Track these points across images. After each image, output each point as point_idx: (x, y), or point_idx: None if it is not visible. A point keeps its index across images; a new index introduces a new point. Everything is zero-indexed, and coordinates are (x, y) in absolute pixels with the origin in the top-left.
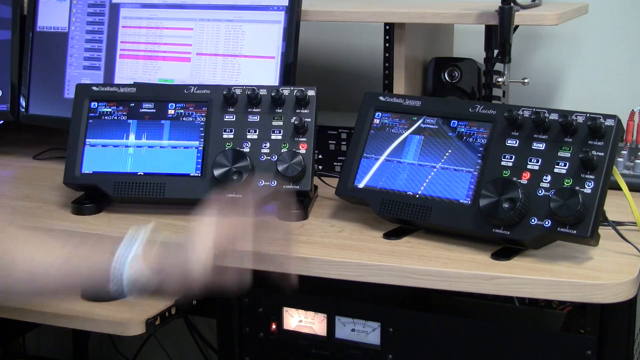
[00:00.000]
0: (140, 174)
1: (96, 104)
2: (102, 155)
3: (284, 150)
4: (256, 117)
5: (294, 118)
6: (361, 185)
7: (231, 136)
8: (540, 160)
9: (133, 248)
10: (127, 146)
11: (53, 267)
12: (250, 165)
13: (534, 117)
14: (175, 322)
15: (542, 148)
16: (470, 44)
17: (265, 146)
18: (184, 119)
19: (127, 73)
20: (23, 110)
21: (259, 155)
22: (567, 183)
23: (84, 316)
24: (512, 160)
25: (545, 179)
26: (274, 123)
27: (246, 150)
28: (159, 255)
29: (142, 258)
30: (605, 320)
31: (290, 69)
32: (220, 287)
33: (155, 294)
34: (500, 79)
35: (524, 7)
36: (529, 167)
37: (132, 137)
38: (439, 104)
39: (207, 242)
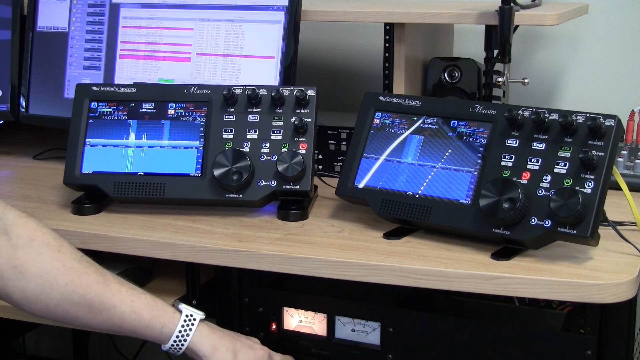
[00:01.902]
0: (140, 174)
1: (96, 104)
2: (102, 155)
3: (284, 150)
4: (256, 117)
5: (294, 118)
6: (361, 185)
7: (231, 136)
8: (540, 160)
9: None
10: (127, 146)
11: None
12: (250, 165)
13: (534, 117)
14: None
15: (542, 148)
16: (470, 44)
17: (265, 146)
18: (184, 119)
19: (127, 73)
20: (23, 110)
21: (259, 155)
22: (567, 183)
23: None
24: (512, 160)
25: (545, 179)
26: (274, 123)
27: (246, 150)
28: (214, 343)
29: (201, 338)
30: (605, 320)
31: (290, 69)
32: None
33: None
34: (500, 79)
35: (524, 7)
36: (529, 167)
37: (132, 137)
38: (439, 104)
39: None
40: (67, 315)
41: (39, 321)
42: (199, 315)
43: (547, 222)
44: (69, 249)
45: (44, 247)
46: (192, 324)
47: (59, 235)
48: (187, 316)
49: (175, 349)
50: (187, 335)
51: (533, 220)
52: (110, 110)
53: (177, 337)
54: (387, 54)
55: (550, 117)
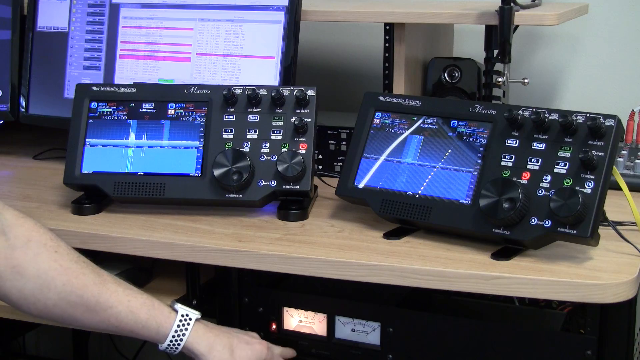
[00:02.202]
0: (140, 174)
1: (96, 104)
2: (102, 155)
3: (284, 150)
4: (256, 117)
5: (294, 118)
6: (361, 185)
7: (231, 136)
8: (540, 160)
9: (190, 326)
10: (127, 146)
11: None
12: (250, 165)
13: (534, 117)
14: None
15: (542, 148)
16: (470, 44)
17: (265, 146)
18: (184, 119)
19: (127, 73)
20: (23, 110)
21: (259, 155)
22: (567, 183)
23: None
24: (512, 160)
25: (545, 179)
26: (274, 123)
27: (246, 150)
28: (211, 342)
29: (197, 336)
30: (605, 320)
31: (290, 69)
32: None
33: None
34: (500, 79)
35: (524, 7)
36: (529, 167)
37: (132, 137)
38: (439, 104)
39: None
40: (64, 315)
41: (39, 321)
42: (194, 314)
43: (547, 222)
44: (66, 250)
45: (41, 247)
46: (188, 324)
47: (55, 235)
48: (182, 316)
49: (171, 348)
50: (183, 334)
51: (533, 220)
52: (110, 110)
53: (174, 336)
54: (387, 54)
55: (550, 117)
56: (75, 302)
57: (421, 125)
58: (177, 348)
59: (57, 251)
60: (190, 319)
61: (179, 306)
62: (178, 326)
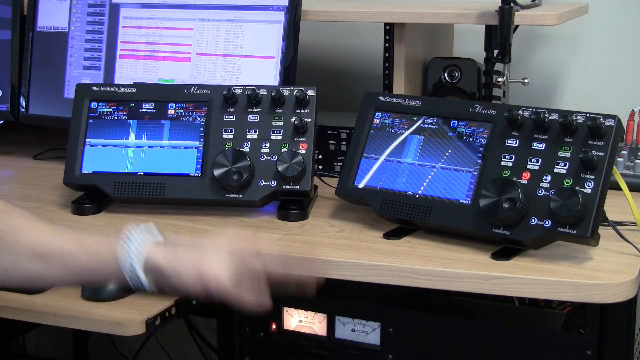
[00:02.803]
0: (140, 174)
1: (96, 104)
2: (102, 155)
3: (284, 150)
4: (256, 117)
5: (294, 118)
6: (361, 185)
7: (231, 136)
8: (540, 160)
9: (145, 242)
10: (127, 146)
11: (65, 253)
12: (250, 165)
13: (534, 117)
14: (175, 322)
15: (542, 148)
16: (470, 44)
17: (265, 146)
18: (184, 119)
19: (127, 73)
20: (23, 110)
21: (259, 155)
22: (567, 183)
23: (84, 316)
24: (512, 160)
25: (545, 179)
26: (274, 123)
27: (246, 150)
28: (173, 251)
29: (156, 252)
30: (605, 320)
31: (290, 69)
32: (238, 299)
33: (169, 289)
34: (500, 79)
35: (524, 7)
36: (529, 167)
37: (132, 137)
38: (439, 104)
39: (224, 245)
40: (28, 275)
41: (39, 321)
42: (148, 227)
43: (547, 222)
44: (12, 208)
45: None
46: (130, 233)
47: (4, 199)
48: (128, 230)
49: (133, 279)
50: (135, 250)
51: (533, 220)
52: (110, 110)
53: (130, 260)
54: (387, 54)
55: (550, 117)
56: (31, 257)
57: (421, 125)
58: (137, 276)
59: (4, 212)
60: (132, 230)
61: (128, 227)
62: (123, 240)
